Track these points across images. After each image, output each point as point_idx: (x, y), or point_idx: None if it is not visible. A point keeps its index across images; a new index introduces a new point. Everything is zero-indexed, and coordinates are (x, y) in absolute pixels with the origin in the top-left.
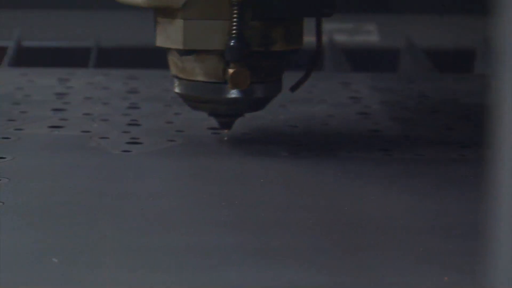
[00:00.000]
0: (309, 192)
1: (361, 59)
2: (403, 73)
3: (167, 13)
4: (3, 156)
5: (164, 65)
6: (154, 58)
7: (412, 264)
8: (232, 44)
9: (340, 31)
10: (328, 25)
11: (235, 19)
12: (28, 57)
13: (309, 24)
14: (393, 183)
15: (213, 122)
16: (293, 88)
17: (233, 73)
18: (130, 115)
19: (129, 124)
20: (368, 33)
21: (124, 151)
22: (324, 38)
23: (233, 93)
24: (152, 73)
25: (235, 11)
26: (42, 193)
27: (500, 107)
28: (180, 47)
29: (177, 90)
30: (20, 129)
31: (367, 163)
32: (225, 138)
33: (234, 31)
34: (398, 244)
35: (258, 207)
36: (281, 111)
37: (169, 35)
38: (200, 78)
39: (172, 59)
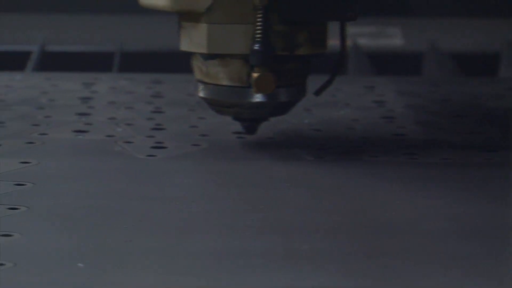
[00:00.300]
0: (334, 196)
1: (385, 63)
2: (427, 77)
3: (191, 17)
4: (28, 161)
5: (188, 69)
6: (178, 62)
7: (437, 268)
8: (256, 48)
9: (364, 35)
10: (352, 29)
11: (259, 23)
12: (52, 62)
13: (331, 28)
14: (418, 187)
15: (237, 126)
16: (318, 92)
17: (258, 77)
18: (154, 119)
19: (154, 129)
20: (392, 37)
21: (149, 155)
22: (348, 42)
23: (258, 98)
24: (176, 77)
25: (259, 15)
26: (67, 197)
27: None
28: (204, 51)
29: (201, 94)
30: (45, 134)
31: (391, 167)
32: None
33: (258, 35)
34: (423, 248)
35: (283, 211)
36: (305, 115)
37: (193, 39)
38: (224, 82)
39: (196, 63)
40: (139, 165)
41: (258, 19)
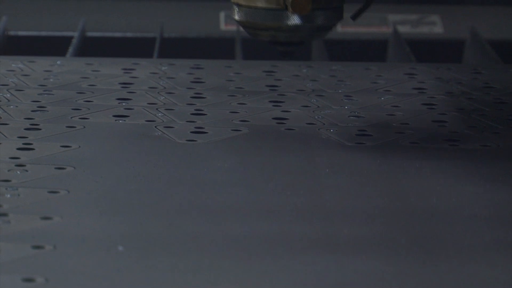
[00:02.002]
0: (374, 181)
1: (425, 50)
2: (467, 64)
3: None
4: (69, 145)
5: (228, 55)
6: (218, 48)
7: (480, 253)
8: None
9: (404, 22)
10: (392, 16)
11: None
12: (92, 47)
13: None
14: (459, 173)
15: (277, 112)
16: (354, 17)
17: None
18: (194, 104)
19: (194, 114)
20: (432, 24)
21: (189, 140)
22: (388, 29)
23: (294, 20)
24: (216, 63)
25: None
26: (107, 181)
27: None
28: None
29: (236, 17)
30: (85, 118)
31: (432, 153)
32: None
33: None
34: (465, 234)
35: (323, 196)
36: (346, 101)
37: None
38: (260, 4)
39: None
40: (179, 150)
41: None
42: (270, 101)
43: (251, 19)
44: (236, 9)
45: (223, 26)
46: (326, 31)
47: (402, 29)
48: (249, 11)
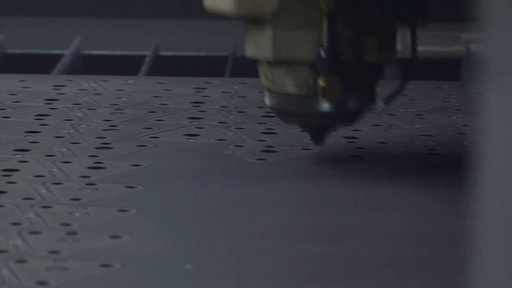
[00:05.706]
0: (449, 201)
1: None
2: None
3: (257, 22)
4: (139, 164)
5: None
6: None
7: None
8: (323, 55)
9: (478, 41)
10: (465, 35)
11: (326, 30)
12: (164, 66)
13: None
14: None
15: (347, 131)
16: (387, 101)
17: (325, 84)
18: (265, 123)
19: (265, 133)
20: None
21: (259, 159)
22: (461, 48)
23: (325, 106)
24: None
25: (326, 21)
26: (176, 200)
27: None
28: (270, 57)
29: (268, 103)
30: (156, 137)
31: None
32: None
33: (325, 42)
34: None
35: (391, 215)
36: (417, 120)
37: (258, 45)
38: (291, 90)
39: (263, 70)
40: (249, 169)
41: (326, 25)
42: None
43: (282, 105)
44: (267, 94)
45: None
46: (358, 115)
47: (476, 47)
48: (280, 97)
